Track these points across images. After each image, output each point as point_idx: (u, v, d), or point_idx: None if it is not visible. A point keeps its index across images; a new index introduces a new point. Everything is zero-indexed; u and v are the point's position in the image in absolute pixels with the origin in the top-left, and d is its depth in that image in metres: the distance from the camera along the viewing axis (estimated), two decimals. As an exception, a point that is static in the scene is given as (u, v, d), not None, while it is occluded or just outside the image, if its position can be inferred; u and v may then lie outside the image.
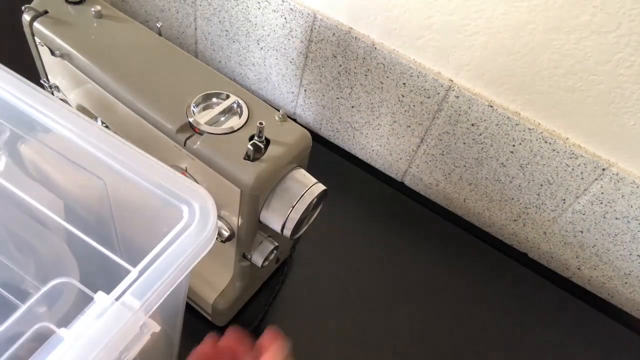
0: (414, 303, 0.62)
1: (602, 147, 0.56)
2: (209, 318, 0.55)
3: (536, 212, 0.66)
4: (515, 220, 0.69)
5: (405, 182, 0.77)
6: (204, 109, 0.44)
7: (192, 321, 0.56)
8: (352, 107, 0.72)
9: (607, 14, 0.48)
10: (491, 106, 0.59)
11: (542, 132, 0.57)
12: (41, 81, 0.55)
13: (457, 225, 0.71)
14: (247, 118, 0.44)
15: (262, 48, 0.75)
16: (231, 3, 0.74)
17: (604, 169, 0.56)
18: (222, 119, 0.44)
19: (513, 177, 0.64)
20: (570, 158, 0.57)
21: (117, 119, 0.49)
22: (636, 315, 0.67)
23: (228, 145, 0.42)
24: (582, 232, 0.63)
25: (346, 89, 0.70)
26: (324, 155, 0.76)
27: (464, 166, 0.67)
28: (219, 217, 0.46)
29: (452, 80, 0.60)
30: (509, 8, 0.52)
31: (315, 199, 0.44)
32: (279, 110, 0.45)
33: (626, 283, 0.65)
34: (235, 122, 0.44)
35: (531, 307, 0.64)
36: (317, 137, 0.80)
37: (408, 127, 0.68)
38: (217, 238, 0.45)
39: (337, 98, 0.73)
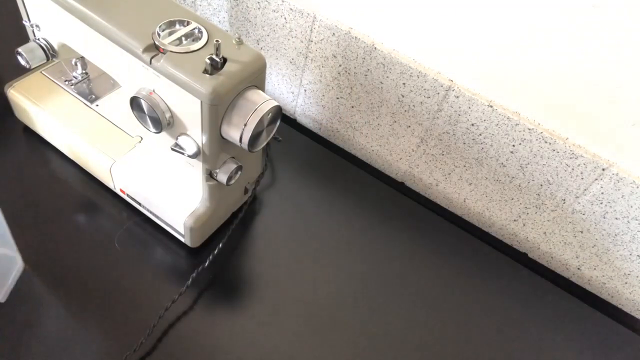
0: (413, 303, 0.62)
1: (602, 147, 0.56)
2: (182, 239, 0.60)
3: (536, 212, 0.66)
4: (515, 220, 0.69)
5: (405, 182, 0.77)
6: (169, 34, 0.49)
7: (167, 244, 0.61)
8: (352, 107, 0.72)
9: (606, 12, 0.48)
10: (491, 106, 0.59)
11: (542, 132, 0.57)
12: (23, 22, 0.59)
13: (457, 225, 0.71)
14: (207, 41, 0.49)
15: (262, 48, 0.75)
16: (231, 3, 0.74)
17: (603, 169, 0.56)
18: (185, 41, 0.49)
19: (513, 177, 0.64)
20: (570, 158, 0.57)
21: (93, 50, 0.54)
22: (636, 316, 0.67)
23: (189, 62, 0.47)
24: (582, 232, 0.63)
25: (346, 89, 0.70)
26: (324, 155, 0.76)
27: (464, 166, 0.67)
28: (186, 135, 0.51)
29: (452, 80, 0.60)
30: (509, 8, 0.52)
31: (270, 114, 0.50)
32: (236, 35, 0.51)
33: (626, 283, 0.65)
34: (195, 44, 0.49)
35: (531, 307, 0.64)
36: (317, 137, 0.80)
37: (408, 127, 0.68)
38: (183, 152, 0.52)
39: (337, 98, 0.73)
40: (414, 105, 0.65)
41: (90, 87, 0.68)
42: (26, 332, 0.52)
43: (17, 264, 0.56)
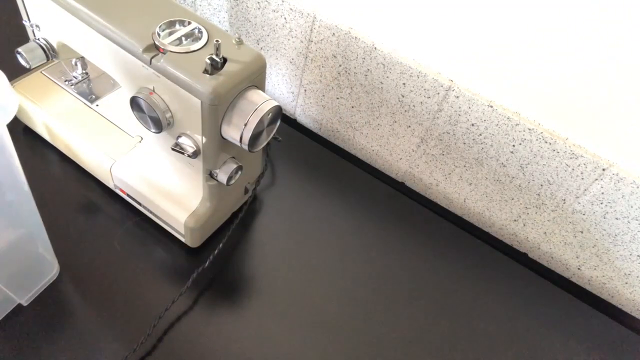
0: (413, 302, 0.62)
1: (602, 147, 0.56)
2: (183, 239, 0.60)
3: (536, 213, 0.66)
4: (515, 220, 0.69)
5: (405, 183, 0.77)
6: (169, 34, 0.49)
7: (167, 244, 0.61)
8: (352, 107, 0.72)
9: (607, 12, 0.48)
10: (491, 106, 0.59)
11: (542, 132, 0.57)
12: (23, 22, 0.58)
13: (457, 225, 0.71)
14: (207, 41, 0.49)
15: (262, 48, 0.75)
16: (231, 3, 0.74)
17: (604, 169, 0.56)
18: (185, 41, 0.49)
19: (513, 177, 0.64)
20: (571, 158, 0.57)
21: (93, 49, 0.54)
22: (636, 316, 0.67)
23: (189, 62, 0.47)
24: (582, 232, 0.63)
25: (346, 89, 0.70)
26: (324, 155, 0.76)
27: (464, 166, 0.67)
28: (186, 135, 0.51)
29: (452, 80, 0.60)
30: (509, 8, 0.52)
31: (270, 114, 0.50)
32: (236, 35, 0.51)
33: (626, 283, 0.65)
34: (195, 44, 0.49)
35: (531, 307, 0.64)
36: (317, 137, 0.80)
37: (408, 127, 0.68)
38: (183, 152, 0.52)
39: (337, 98, 0.73)
40: (414, 105, 0.65)
41: (90, 87, 0.68)
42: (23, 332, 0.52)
43: (53, 270, 0.56)
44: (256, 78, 0.50)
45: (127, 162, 0.61)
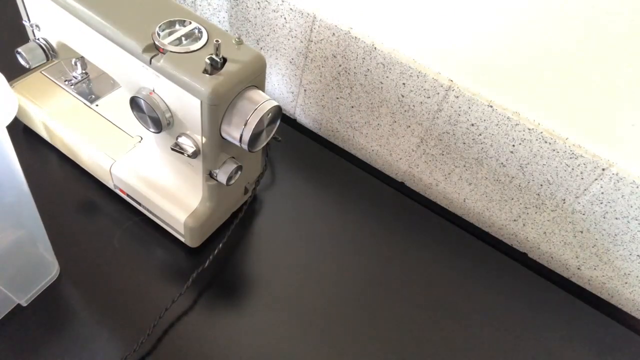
0: (413, 302, 0.62)
1: (602, 147, 0.56)
2: (182, 239, 0.60)
3: (536, 212, 0.66)
4: (515, 220, 0.69)
5: (405, 182, 0.77)
6: (169, 34, 0.49)
7: (167, 244, 0.62)
8: (352, 107, 0.72)
9: (607, 13, 0.48)
10: (491, 106, 0.59)
11: (542, 132, 0.57)
12: (23, 22, 0.58)
13: (457, 225, 0.71)
14: (207, 41, 0.49)
15: (261, 48, 0.75)
16: (231, 3, 0.74)
17: (603, 169, 0.56)
18: (185, 41, 0.50)
19: (513, 177, 0.64)
20: (570, 158, 0.57)
21: (93, 49, 0.54)
22: (636, 315, 0.67)
23: (189, 62, 0.47)
24: (582, 232, 0.63)
25: (346, 89, 0.70)
26: (324, 155, 0.76)
27: (464, 166, 0.67)
28: (186, 135, 0.51)
29: (452, 80, 0.60)
30: (509, 9, 0.52)
31: (269, 114, 0.50)
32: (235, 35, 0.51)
33: (626, 283, 0.65)
34: (195, 44, 0.49)
35: (531, 307, 0.64)
36: (317, 137, 0.80)
37: (408, 127, 0.68)
38: (183, 152, 0.52)
39: (337, 98, 0.73)
40: (414, 105, 0.65)
41: (90, 87, 0.68)
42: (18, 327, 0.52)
43: (53, 271, 0.56)
44: (256, 78, 0.50)
45: (127, 162, 0.61)
